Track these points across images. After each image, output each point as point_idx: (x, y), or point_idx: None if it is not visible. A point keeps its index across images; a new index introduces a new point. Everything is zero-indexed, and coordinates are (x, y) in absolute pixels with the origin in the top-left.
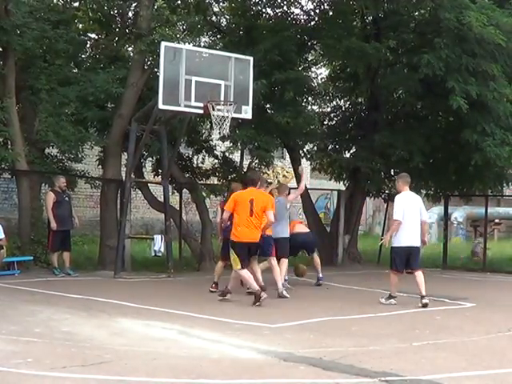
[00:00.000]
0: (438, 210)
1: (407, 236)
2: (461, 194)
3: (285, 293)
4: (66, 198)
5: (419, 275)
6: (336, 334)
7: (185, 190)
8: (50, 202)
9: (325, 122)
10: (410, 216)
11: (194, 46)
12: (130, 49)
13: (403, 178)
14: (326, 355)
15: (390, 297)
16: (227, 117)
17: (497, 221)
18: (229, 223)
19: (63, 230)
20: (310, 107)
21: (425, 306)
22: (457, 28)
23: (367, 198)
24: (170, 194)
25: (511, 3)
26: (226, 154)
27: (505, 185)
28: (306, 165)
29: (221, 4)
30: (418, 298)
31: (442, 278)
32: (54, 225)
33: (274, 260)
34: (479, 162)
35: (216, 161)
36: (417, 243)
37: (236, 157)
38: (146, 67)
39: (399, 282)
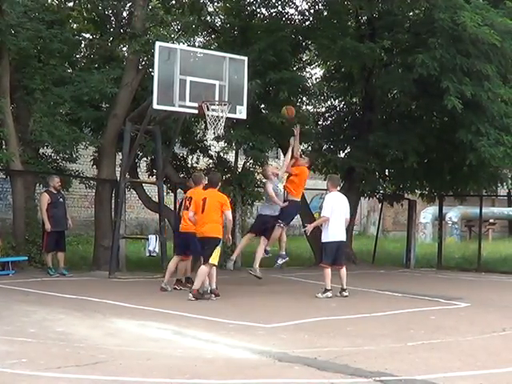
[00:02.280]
0: (432, 209)
1: (335, 231)
2: (455, 194)
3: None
4: (61, 199)
5: (343, 270)
6: (331, 334)
7: (179, 189)
8: (45, 202)
9: (319, 122)
10: (338, 214)
11: (188, 45)
12: (124, 49)
13: (333, 180)
14: (320, 355)
15: (326, 290)
16: (222, 117)
17: (491, 221)
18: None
19: (57, 230)
20: (304, 107)
21: (345, 297)
22: (451, 28)
23: (362, 198)
24: (165, 193)
25: (506, 3)
26: (221, 154)
27: (499, 185)
28: None
29: (215, 4)
30: (412, 297)
31: (437, 277)
32: (48, 226)
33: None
34: (474, 161)
35: (210, 161)
36: (344, 238)
37: (231, 157)
38: (140, 67)
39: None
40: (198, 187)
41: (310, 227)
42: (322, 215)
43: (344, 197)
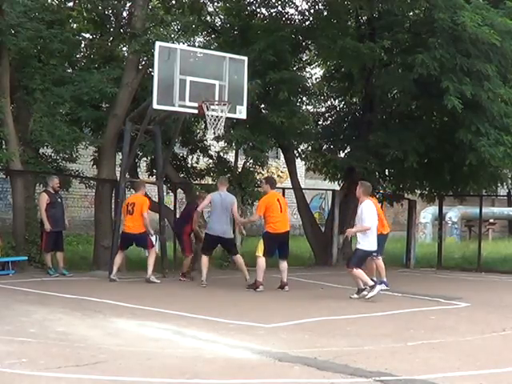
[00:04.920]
0: (432, 209)
1: (374, 241)
2: (455, 194)
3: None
4: (59, 199)
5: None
6: (331, 333)
7: (179, 189)
8: (44, 202)
9: (319, 122)
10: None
11: (188, 45)
12: (124, 49)
13: (366, 188)
14: (320, 355)
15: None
16: (222, 117)
17: (491, 221)
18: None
19: (56, 230)
20: (304, 107)
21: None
22: (451, 28)
23: None
24: (165, 193)
25: (505, 3)
26: (221, 153)
27: (499, 185)
28: (300, 165)
29: (215, 4)
30: (412, 297)
31: (437, 277)
32: (47, 226)
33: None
34: (474, 161)
35: (210, 161)
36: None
37: (230, 157)
38: (140, 67)
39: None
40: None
41: (350, 233)
42: (365, 224)
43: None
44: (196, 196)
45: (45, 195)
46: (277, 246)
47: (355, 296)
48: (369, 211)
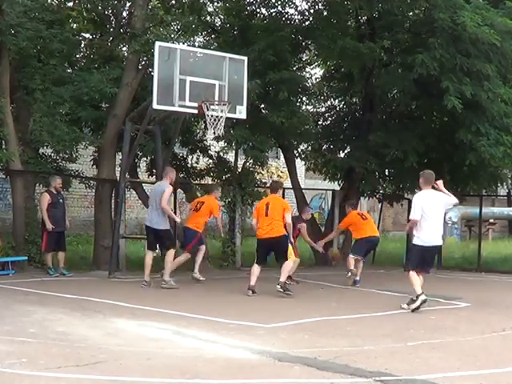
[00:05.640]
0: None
1: (427, 235)
2: (455, 194)
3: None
4: (60, 200)
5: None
6: (331, 334)
7: (179, 189)
8: (45, 202)
9: (319, 122)
10: (430, 215)
11: (188, 45)
12: (124, 49)
13: (426, 176)
14: (320, 355)
15: (416, 297)
16: (221, 117)
17: (491, 221)
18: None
19: (58, 230)
20: (304, 107)
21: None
22: (451, 28)
23: (361, 198)
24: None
25: (505, 3)
26: (221, 153)
27: (499, 185)
28: (300, 165)
29: (215, 4)
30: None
31: (437, 277)
32: (49, 226)
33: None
34: (473, 162)
35: (210, 161)
36: (437, 242)
37: (230, 157)
38: (140, 67)
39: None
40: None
41: (407, 230)
42: (410, 217)
43: (438, 194)
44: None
45: (46, 195)
46: (265, 251)
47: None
48: (414, 203)
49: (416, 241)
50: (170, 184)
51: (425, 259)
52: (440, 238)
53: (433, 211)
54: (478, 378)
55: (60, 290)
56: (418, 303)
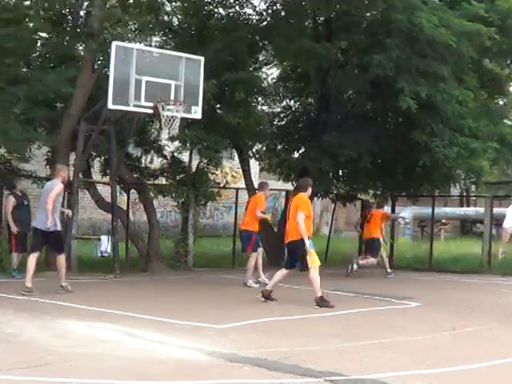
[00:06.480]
0: (385, 210)
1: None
2: (408, 195)
3: None
4: (26, 202)
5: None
6: (281, 334)
7: (133, 190)
8: (10, 205)
9: (274, 122)
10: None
11: (145, 45)
12: (80, 48)
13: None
14: (270, 356)
15: None
16: (177, 117)
17: (443, 221)
18: None
19: (23, 232)
20: (260, 107)
21: None
22: (408, 29)
23: (315, 199)
24: (118, 194)
25: (462, 4)
26: (175, 154)
27: (452, 185)
28: (254, 165)
29: (173, 4)
30: (364, 297)
31: (389, 277)
32: (14, 229)
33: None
34: (427, 162)
35: (165, 161)
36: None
37: (185, 157)
38: (96, 67)
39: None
40: None
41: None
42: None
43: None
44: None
45: (11, 198)
46: None
47: None
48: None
49: None
50: (62, 182)
51: None
52: None
53: None
54: (428, 376)
55: (10, 291)
56: None
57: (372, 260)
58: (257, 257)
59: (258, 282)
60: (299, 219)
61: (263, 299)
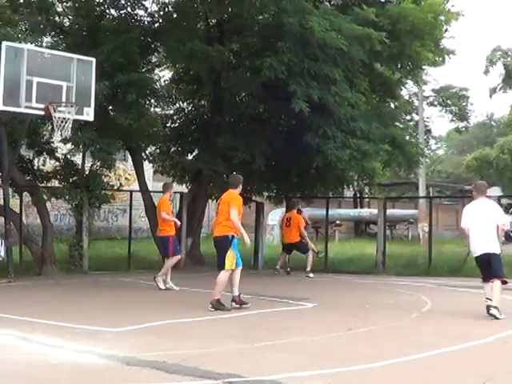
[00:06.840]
0: (280, 212)
1: (475, 245)
2: (302, 196)
3: None
4: None
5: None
6: (178, 336)
7: (25, 192)
8: None
9: (168, 125)
10: (477, 224)
11: (36, 46)
12: None
13: (478, 187)
14: (169, 358)
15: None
16: (69, 118)
17: (338, 222)
18: None
19: None
20: (152, 109)
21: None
22: (299, 32)
23: (209, 201)
24: (10, 196)
25: (353, 9)
26: (68, 156)
27: (345, 187)
28: (148, 167)
29: (64, 4)
30: (261, 299)
31: (284, 279)
32: None
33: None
34: (320, 164)
35: (57, 163)
36: (487, 250)
37: (78, 159)
38: None
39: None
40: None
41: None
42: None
43: (489, 203)
44: None
45: None
46: None
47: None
48: (463, 213)
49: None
50: None
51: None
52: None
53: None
54: (325, 376)
55: None
56: None
57: (310, 258)
58: (178, 260)
59: (165, 284)
60: (232, 216)
61: (238, 306)
